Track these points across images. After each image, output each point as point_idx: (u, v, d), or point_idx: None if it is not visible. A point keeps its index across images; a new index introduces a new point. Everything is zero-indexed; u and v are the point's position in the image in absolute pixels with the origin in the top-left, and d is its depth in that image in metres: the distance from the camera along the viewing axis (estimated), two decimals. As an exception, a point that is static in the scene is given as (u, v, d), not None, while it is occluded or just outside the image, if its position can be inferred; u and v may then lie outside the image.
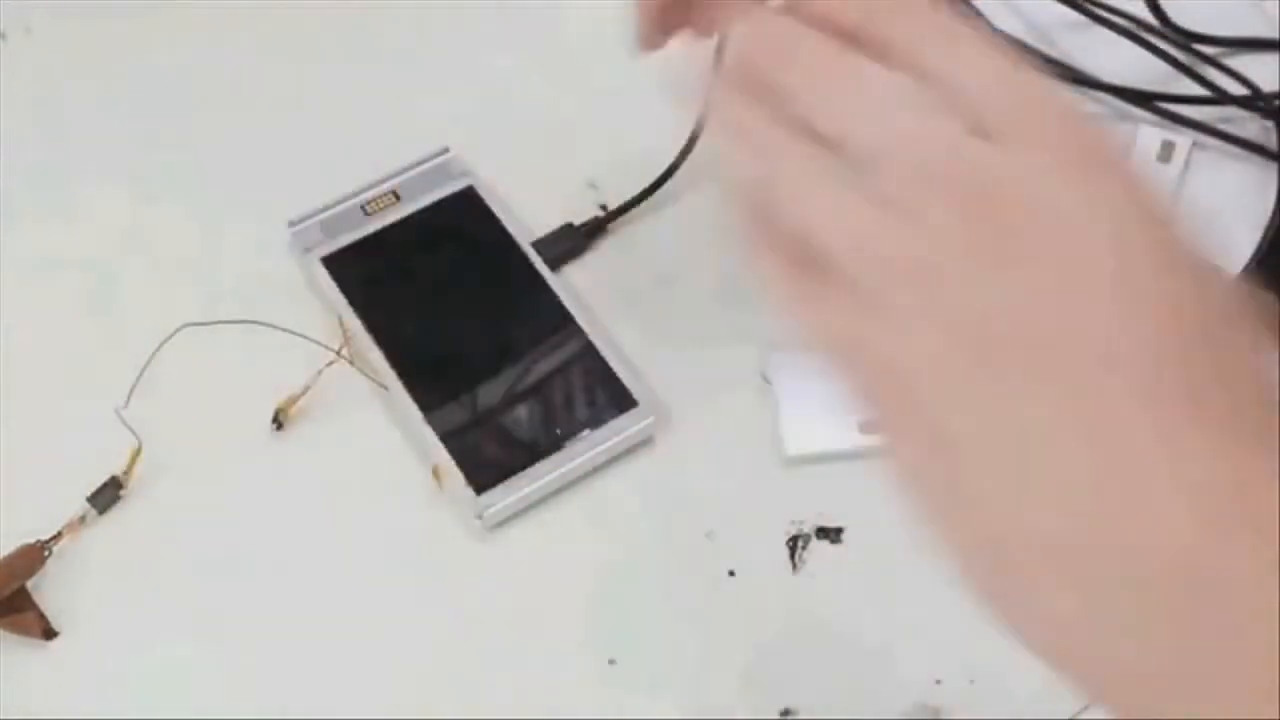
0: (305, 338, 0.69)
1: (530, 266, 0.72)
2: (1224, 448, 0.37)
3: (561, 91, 0.80)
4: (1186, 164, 0.79)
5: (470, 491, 0.65)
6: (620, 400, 0.68)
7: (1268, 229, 0.76)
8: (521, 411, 0.68)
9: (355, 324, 0.70)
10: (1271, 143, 0.79)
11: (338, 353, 0.69)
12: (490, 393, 0.69)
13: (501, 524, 0.66)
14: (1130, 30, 0.78)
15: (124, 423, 0.65)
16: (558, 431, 0.67)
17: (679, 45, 0.57)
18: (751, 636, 0.64)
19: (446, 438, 0.67)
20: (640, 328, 0.72)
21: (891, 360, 0.39)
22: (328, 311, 0.71)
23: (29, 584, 0.63)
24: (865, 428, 0.68)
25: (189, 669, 0.62)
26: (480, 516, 0.65)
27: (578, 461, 0.67)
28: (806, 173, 0.41)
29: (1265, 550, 0.35)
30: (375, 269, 0.72)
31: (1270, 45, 0.83)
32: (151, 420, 0.66)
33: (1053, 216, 0.38)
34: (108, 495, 0.65)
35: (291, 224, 0.72)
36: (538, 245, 0.73)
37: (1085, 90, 0.82)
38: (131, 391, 0.66)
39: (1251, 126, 0.80)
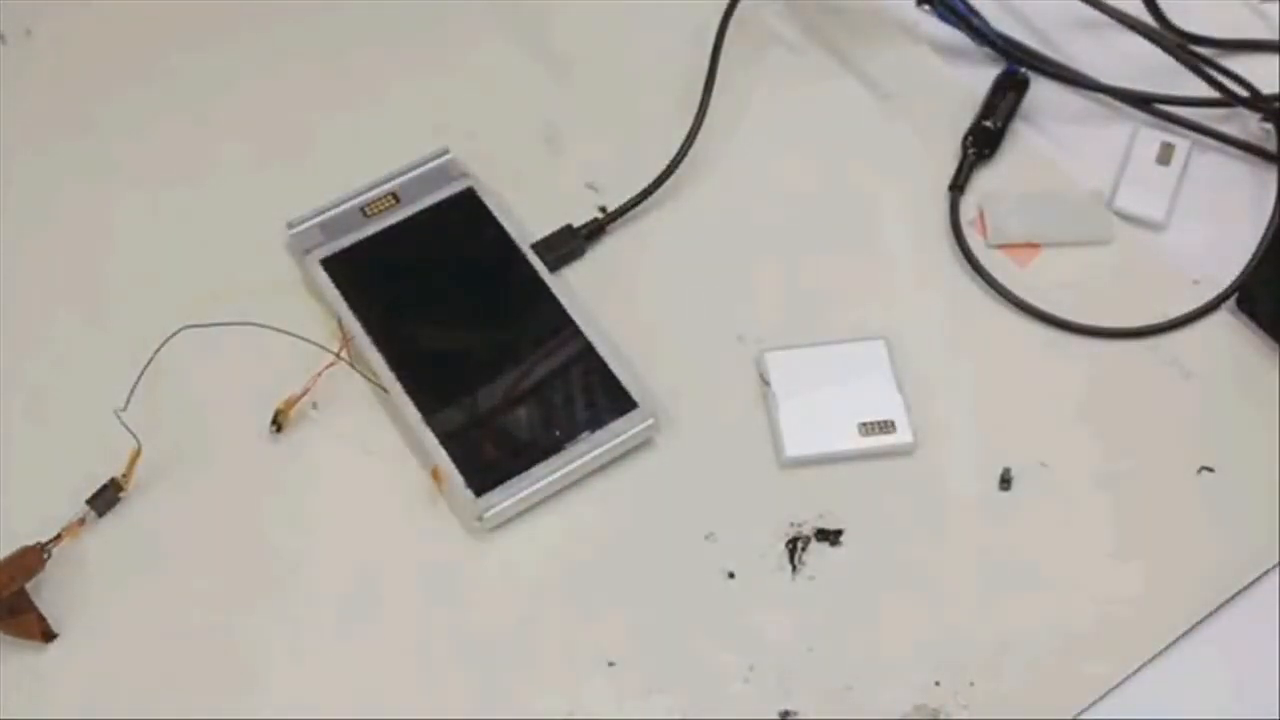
0: (305, 340, 0.69)
1: (530, 268, 0.72)
2: None
3: (561, 93, 0.80)
4: (1185, 166, 0.79)
5: (470, 493, 0.65)
6: (620, 402, 0.68)
7: (1268, 229, 0.76)
8: (521, 413, 0.68)
9: (355, 326, 0.70)
10: (1271, 144, 0.79)
11: (337, 355, 0.69)
12: (490, 395, 0.69)
13: (501, 525, 0.66)
14: (1134, 24, 0.78)
15: (123, 425, 0.65)
16: (557, 433, 0.67)
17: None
18: (751, 637, 0.64)
19: (446, 440, 0.67)
20: (640, 329, 0.72)
21: None
22: (327, 313, 0.71)
23: (29, 586, 0.63)
24: (864, 430, 0.69)
25: (189, 669, 0.62)
26: (480, 518, 0.65)
27: (578, 463, 0.66)
28: None
29: None
30: (375, 271, 0.72)
31: (1269, 47, 0.83)
32: (151, 422, 0.66)
33: None
34: (107, 497, 0.65)
35: (291, 225, 0.72)
36: (537, 247, 0.73)
37: (1085, 92, 0.82)
38: (131, 394, 0.66)
39: (1251, 127, 0.80)
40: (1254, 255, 0.75)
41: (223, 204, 0.75)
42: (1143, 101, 0.81)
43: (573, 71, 0.81)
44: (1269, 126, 0.79)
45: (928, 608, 0.65)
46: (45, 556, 0.63)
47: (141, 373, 0.67)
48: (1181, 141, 0.79)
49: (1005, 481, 0.68)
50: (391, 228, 0.73)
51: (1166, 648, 0.64)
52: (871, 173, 0.78)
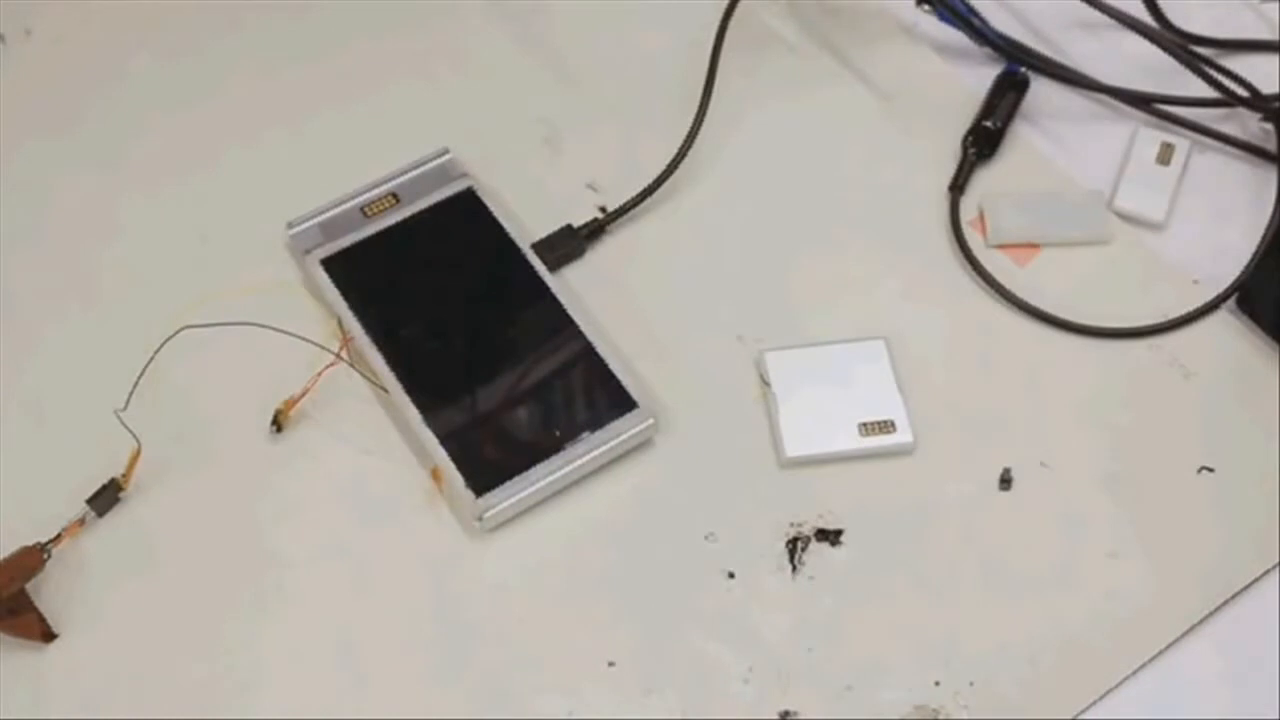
0: (304, 340, 0.69)
1: (530, 268, 0.72)
2: None
3: (561, 93, 0.80)
4: (1185, 166, 0.79)
5: (470, 493, 0.65)
6: (619, 402, 0.68)
7: (1268, 229, 0.76)
8: (521, 413, 0.68)
9: (355, 326, 0.70)
10: (1271, 144, 0.79)
11: (337, 355, 0.69)
12: (490, 395, 0.69)
13: (501, 526, 0.66)
14: (1134, 24, 0.78)
15: (124, 425, 0.65)
16: (557, 433, 0.67)
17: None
18: (751, 637, 0.64)
19: (446, 440, 0.67)
20: (640, 329, 0.72)
21: None
22: (327, 313, 0.71)
23: (29, 586, 0.63)
24: (864, 430, 0.69)
25: (188, 669, 0.62)
26: (480, 518, 0.65)
27: (577, 463, 0.66)
28: None
29: None
30: (375, 271, 0.72)
31: (1269, 47, 0.83)
32: (151, 422, 0.66)
33: None
34: (107, 497, 0.65)
35: (291, 225, 0.72)
36: (537, 247, 0.73)
37: (1085, 92, 0.82)
38: (131, 394, 0.66)
39: (1251, 127, 0.80)
40: (1254, 255, 0.75)
41: (223, 204, 0.75)
42: (1143, 101, 0.81)
43: (573, 71, 0.81)
44: (1269, 126, 0.79)
45: (927, 608, 0.65)
46: (45, 556, 0.63)
47: (141, 373, 0.67)
48: (1181, 141, 0.79)
49: (1005, 481, 0.68)
50: (391, 228, 0.73)
51: (1166, 648, 0.64)
52: (871, 173, 0.78)
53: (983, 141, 0.78)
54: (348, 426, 0.69)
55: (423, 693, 0.62)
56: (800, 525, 0.67)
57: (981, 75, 0.82)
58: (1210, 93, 0.79)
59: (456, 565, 0.65)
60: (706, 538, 0.66)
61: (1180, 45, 0.79)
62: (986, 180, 0.78)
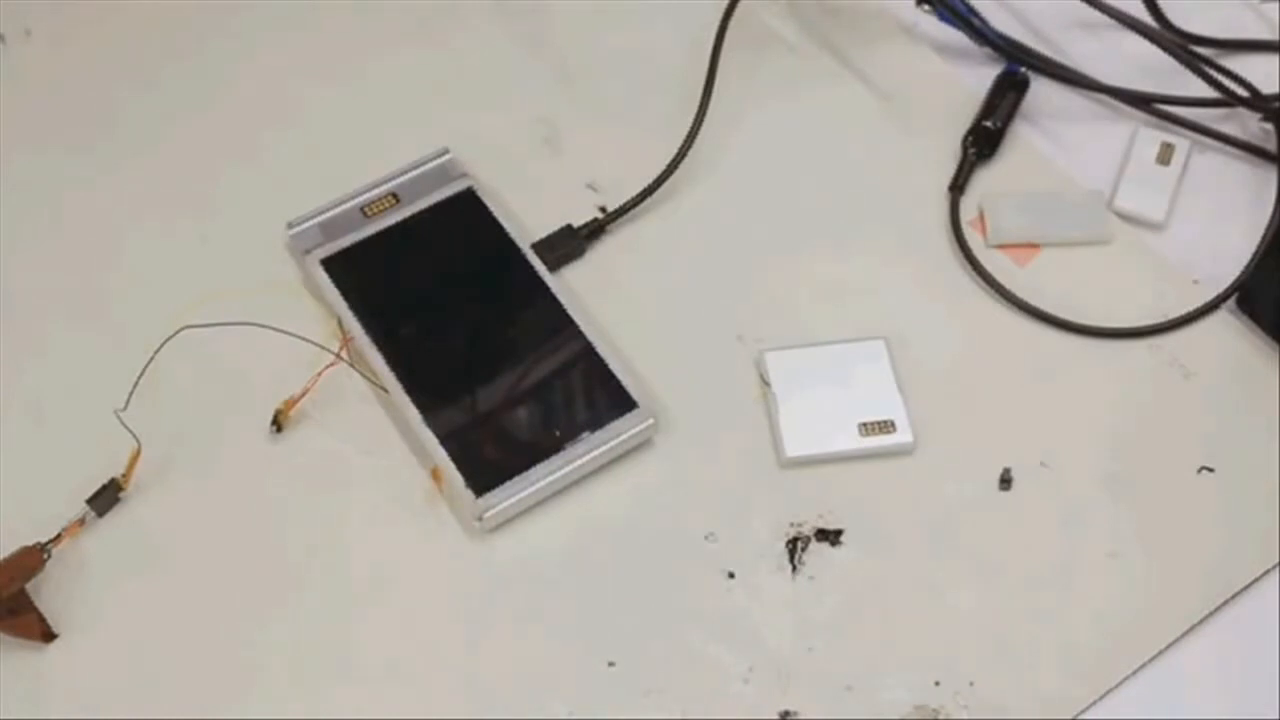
0: (305, 340, 0.69)
1: (530, 268, 0.72)
2: None
3: (561, 93, 0.80)
4: (1185, 166, 0.79)
5: (470, 493, 0.65)
6: (619, 402, 0.68)
7: (1268, 229, 0.76)
8: (521, 413, 0.68)
9: (355, 326, 0.70)
10: (1271, 144, 0.79)
11: (337, 355, 0.69)
12: (490, 395, 0.69)
13: (501, 526, 0.66)
14: (1134, 24, 0.78)
15: (124, 425, 0.65)
16: (557, 433, 0.67)
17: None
18: (751, 637, 0.64)
19: (446, 440, 0.67)
20: (640, 329, 0.72)
21: None
22: (327, 313, 0.71)
23: (29, 586, 0.63)
24: (864, 430, 0.69)
25: (189, 669, 0.62)
26: (480, 518, 0.65)
27: (577, 463, 0.66)
28: None
29: None
30: (375, 271, 0.72)
31: (1269, 47, 0.83)
32: (151, 422, 0.66)
33: None
34: (107, 497, 0.65)
35: (291, 225, 0.72)
36: (537, 247, 0.73)
37: (1085, 92, 0.82)
38: (131, 394, 0.66)
39: (1251, 127, 0.80)
40: (1254, 255, 0.75)
41: (223, 204, 0.75)
42: (1143, 101, 0.81)
43: (573, 71, 0.81)
44: (1269, 126, 0.79)
45: (927, 608, 0.65)
46: (45, 556, 0.63)
47: (141, 373, 0.67)
48: (1181, 141, 0.79)
49: (1005, 481, 0.68)
50: (391, 228, 0.73)
51: (1166, 648, 0.64)
52: (871, 173, 0.78)
53: (983, 141, 0.78)
54: (348, 426, 0.69)
55: (423, 692, 0.62)
56: (800, 525, 0.67)
57: (981, 75, 0.82)
58: (1210, 93, 0.79)
59: (456, 565, 0.65)
60: (706, 538, 0.66)
61: (1180, 45, 0.79)
62: (986, 180, 0.78)
